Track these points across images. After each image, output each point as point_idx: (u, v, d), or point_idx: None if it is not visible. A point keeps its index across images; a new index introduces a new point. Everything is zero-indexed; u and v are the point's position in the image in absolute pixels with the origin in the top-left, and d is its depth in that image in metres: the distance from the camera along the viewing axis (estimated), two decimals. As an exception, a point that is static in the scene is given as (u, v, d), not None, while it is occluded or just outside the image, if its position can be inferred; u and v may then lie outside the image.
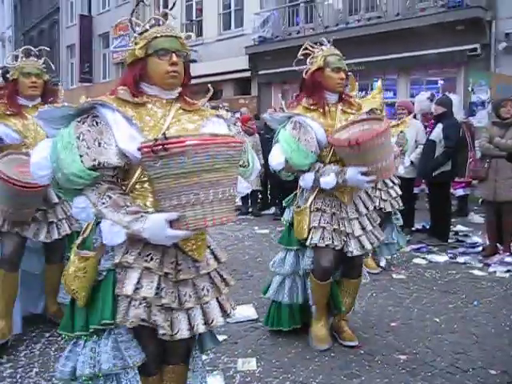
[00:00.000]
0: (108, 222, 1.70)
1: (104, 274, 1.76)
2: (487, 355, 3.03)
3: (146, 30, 1.83)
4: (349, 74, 3.01)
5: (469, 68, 10.54)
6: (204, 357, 2.20)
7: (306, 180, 2.95)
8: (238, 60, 14.59)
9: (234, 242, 6.34)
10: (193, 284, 1.83)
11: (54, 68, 3.48)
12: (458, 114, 7.01)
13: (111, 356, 1.74)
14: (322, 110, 2.90)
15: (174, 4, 2.10)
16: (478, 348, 3.14)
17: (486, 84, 10.03)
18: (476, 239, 6.14)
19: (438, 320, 3.61)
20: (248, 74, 14.74)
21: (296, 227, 3.03)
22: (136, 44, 1.83)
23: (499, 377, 2.77)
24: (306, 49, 3.02)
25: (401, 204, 4.85)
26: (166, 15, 1.89)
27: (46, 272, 3.32)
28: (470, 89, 10.35)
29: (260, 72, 14.33)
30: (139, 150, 1.63)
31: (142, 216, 1.66)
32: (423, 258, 5.40)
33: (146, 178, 1.74)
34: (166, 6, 12.26)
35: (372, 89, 10.58)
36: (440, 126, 5.81)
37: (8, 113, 3.08)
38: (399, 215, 5.08)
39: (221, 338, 3.14)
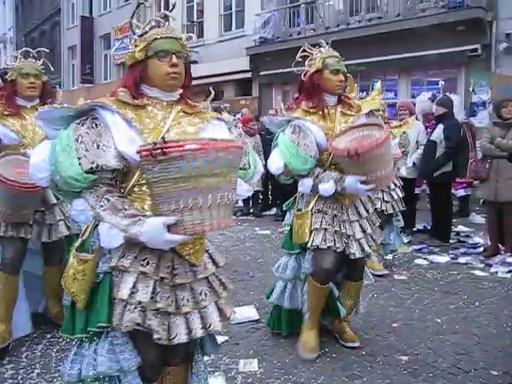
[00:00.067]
0: (106, 225, 1.69)
1: (101, 276, 1.75)
2: (489, 356, 3.02)
3: (146, 32, 1.82)
4: (347, 75, 2.99)
5: (469, 68, 10.55)
6: (205, 358, 2.19)
7: (305, 185, 2.93)
8: (238, 61, 14.60)
9: (236, 243, 6.33)
10: (191, 288, 1.81)
11: (53, 69, 3.47)
12: (459, 115, 7.00)
13: (107, 359, 1.72)
14: (321, 113, 2.88)
15: (173, 6, 2.10)
16: (479, 349, 3.13)
17: (487, 84, 10.04)
18: (477, 240, 6.12)
19: (439, 321, 3.61)
20: (249, 74, 14.75)
21: (297, 231, 2.99)
22: (136, 46, 1.82)
23: (501, 378, 2.77)
24: (305, 51, 3.01)
25: (402, 206, 4.85)
26: (165, 17, 1.88)
27: (46, 274, 3.32)
28: (470, 89, 10.36)
29: (261, 73, 14.35)
30: (138, 153, 1.62)
31: (139, 219, 1.65)
32: (424, 259, 5.39)
33: (144, 181, 1.72)
34: (167, 7, 12.28)
35: (373, 89, 10.57)
36: (441, 126, 5.80)
37: (6, 113, 3.07)
38: (400, 217, 5.08)
39: (222, 338, 3.16)
